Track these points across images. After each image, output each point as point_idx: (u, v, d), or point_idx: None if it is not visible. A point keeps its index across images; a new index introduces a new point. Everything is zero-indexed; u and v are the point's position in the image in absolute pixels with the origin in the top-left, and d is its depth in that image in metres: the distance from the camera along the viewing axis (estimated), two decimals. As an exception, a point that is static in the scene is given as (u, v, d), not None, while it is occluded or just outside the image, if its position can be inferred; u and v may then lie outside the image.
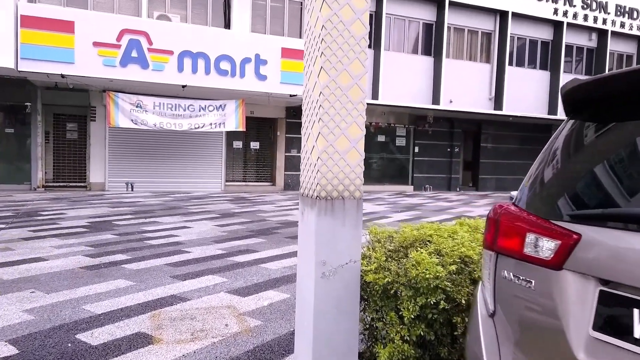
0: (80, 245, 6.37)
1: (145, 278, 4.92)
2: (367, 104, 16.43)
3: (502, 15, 18.75)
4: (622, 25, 20.62)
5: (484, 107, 18.69)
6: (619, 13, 20.52)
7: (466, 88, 18.49)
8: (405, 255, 2.64)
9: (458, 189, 19.45)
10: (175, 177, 14.95)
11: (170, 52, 12.54)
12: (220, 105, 13.83)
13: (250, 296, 4.43)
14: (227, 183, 15.79)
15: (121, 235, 7.24)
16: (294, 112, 16.10)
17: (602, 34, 20.54)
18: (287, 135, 16.36)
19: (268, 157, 16.65)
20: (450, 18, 17.94)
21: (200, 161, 15.30)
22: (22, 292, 4.35)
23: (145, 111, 13.19)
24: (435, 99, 17.82)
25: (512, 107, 18.75)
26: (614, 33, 20.58)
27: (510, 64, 19.19)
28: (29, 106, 13.44)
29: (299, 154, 16.61)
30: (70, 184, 14.23)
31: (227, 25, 14.73)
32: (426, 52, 18.12)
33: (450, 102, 18.00)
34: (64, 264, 5.39)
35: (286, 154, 16.44)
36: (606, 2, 20.19)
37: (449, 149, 19.25)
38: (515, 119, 18.47)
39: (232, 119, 13.98)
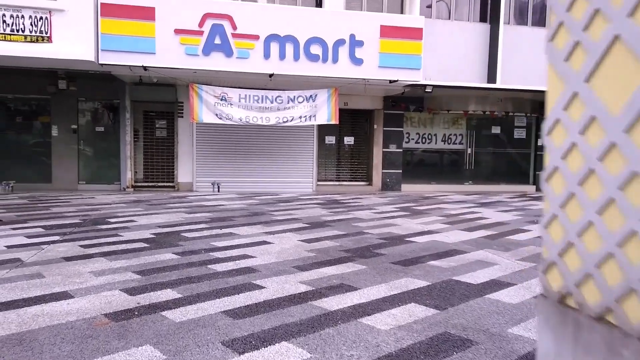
0: (127, 272, 4.90)
1: (184, 344, 3.18)
2: (480, 88, 13.34)
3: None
4: None
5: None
6: None
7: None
8: None
9: (593, 190, 15.97)
10: (264, 176, 13.64)
11: (256, 37, 11.12)
12: (311, 96, 12.16)
13: (347, 406, 2.52)
14: (319, 183, 14.14)
15: (184, 254, 5.73)
16: (393, 102, 14.01)
17: None
18: (385, 129, 14.31)
19: (364, 153, 14.72)
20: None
21: (291, 159, 13.83)
22: (-8, 371, 2.86)
23: (230, 104, 11.92)
24: (568, 81, 14.60)
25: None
26: None
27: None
28: (118, 103, 12.87)
29: (398, 150, 14.43)
30: (159, 184, 13.48)
31: (319, 3, 13.01)
32: (555, 24, 14.94)
33: (588, 84, 14.66)
34: (88, 307, 3.87)
35: (384, 150, 14.37)
36: None
37: (581, 142, 15.84)
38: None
39: (324, 111, 12.24)
